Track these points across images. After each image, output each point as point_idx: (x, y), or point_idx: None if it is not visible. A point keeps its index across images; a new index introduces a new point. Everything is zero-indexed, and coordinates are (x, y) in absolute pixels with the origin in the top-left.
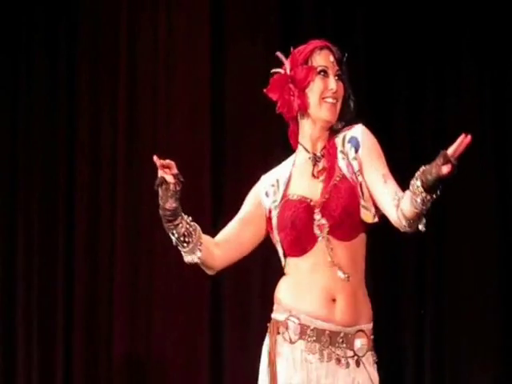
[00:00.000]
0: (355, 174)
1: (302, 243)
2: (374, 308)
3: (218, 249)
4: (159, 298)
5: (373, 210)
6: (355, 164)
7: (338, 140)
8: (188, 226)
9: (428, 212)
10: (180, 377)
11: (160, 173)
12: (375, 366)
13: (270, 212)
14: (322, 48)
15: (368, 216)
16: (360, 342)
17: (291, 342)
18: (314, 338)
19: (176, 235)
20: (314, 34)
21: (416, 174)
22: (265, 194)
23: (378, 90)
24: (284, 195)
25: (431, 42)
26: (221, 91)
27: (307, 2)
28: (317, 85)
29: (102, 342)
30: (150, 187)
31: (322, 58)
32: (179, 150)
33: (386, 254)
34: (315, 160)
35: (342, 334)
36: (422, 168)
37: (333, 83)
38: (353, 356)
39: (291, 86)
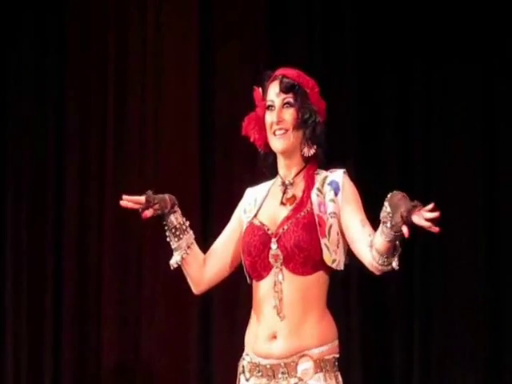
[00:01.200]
0: (327, 214)
1: (257, 269)
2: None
3: (205, 264)
4: (147, 302)
5: (335, 255)
6: (331, 206)
7: (319, 177)
8: (182, 224)
9: (400, 250)
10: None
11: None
12: (332, 382)
13: (243, 228)
14: (273, 80)
15: (328, 257)
16: (302, 367)
17: (247, 380)
18: (261, 374)
19: (169, 225)
20: (302, 33)
21: (385, 202)
22: (243, 211)
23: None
24: (254, 216)
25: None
26: (209, 92)
27: (295, 2)
28: (267, 120)
29: (91, 345)
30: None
31: (271, 92)
32: (168, 156)
33: None
34: (284, 188)
35: (282, 365)
36: (390, 195)
37: (273, 116)
38: (297, 383)
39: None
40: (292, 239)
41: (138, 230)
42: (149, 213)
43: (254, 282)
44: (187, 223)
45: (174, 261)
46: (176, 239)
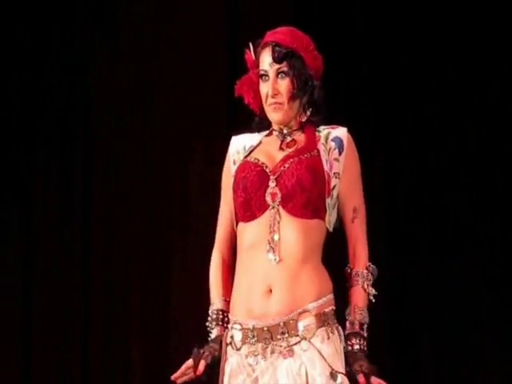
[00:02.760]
0: (331, 173)
1: (251, 208)
2: None
3: (226, 255)
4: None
5: (330, 217)
6: (335, 165)
7: (321, 134)
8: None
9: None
10: None
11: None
12: (336, 337)
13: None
14: (264, 46)
15: (326, 217)
16: (303, 324)
17: (237, 350)
18: (256, 339)
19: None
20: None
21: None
22: (233, 163)
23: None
24: (248, 154)
25: None
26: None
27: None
28: (262, 90)
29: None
30: None
31: (263, 60)
32: None
33: None
34: (283, 135)
35: (281, 325)
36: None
37: (268, 87)
38: (299, 341)
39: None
40: (294, 177)
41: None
42: (201, 367)
43: (241, 224)
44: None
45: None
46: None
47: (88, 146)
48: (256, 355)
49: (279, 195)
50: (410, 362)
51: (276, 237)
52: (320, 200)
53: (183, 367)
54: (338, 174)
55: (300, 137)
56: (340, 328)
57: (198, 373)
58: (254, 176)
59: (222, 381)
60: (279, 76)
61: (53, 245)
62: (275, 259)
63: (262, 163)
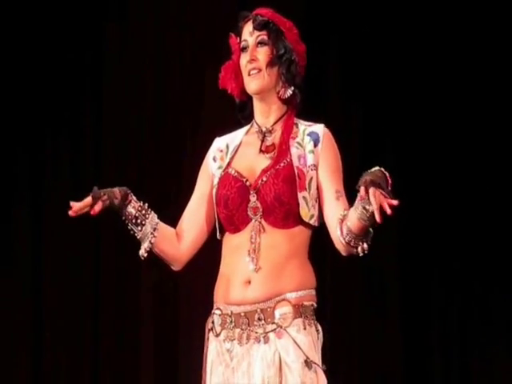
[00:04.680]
0: (307, 167)
1: (234, 222)
2: None
3: (179, 236)
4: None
5: (313, 210)
6: (310, 157)
7: (298, 130)
8: (140, 209)
9: (371, 235)
10: None
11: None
12: (314, 331)
13: (213, 177)
14: (247, 20)
15: (305, 212)
16: (279, 312)
17: (217, 335)
18: (233, 324)
19: (128, 217)
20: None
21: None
22: (212, 159)
23: None
24: (228, 165)
25: None
26: None
27: None
28: (241, 62)
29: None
30: None
31: (245, 32)
32: None
33: None
34: (263, 135)
35: (258, 311)
36: (373, 169)
37: (247, 56)
38: (275, 329)
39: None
40: (272, 192)
41: None
42: (97, 207)
43: (227, 233)
44: (146, 205)
45: (143, 250)
46: (139, 228)
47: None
48: (232, 340)
49: (260, 209)
50: None
51: (254, 252)
52: (297, 207)
53: (82, 203)
54: (314, 165)
55: (278, 134)
56: (319, 325)
57: (93, 212)
58: (234, 193)
59: (205, 369)
60: (259, 45)
61: (63, 242)
62: (254, 269)
63: (243, 177)
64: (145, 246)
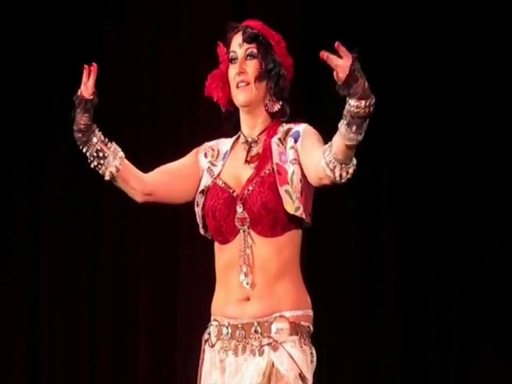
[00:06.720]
0: (288, 162)
1: (222, 233)
2: None
3: (147, 178)
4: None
5: (298, 203)
6: (291, 153)
7: (281, 129)
8: (102, 144)
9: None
10: None
11: (82, 89)
12: (308, 353)
13: (203, 172)
14: (236, 32)
15: (290, 205)
16: (276, 327)
17: (212, 346)
18: (230, 336)
19: (90, 151)
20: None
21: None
22: (203, 155)
23: None
24: (219, 174)
25: None
26: None
27: None
28: (230, 74)
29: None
30: None
31: (234, 43)
32: None
33: None
34: (249, 146)
35: (255, 324)
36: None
37: (235, 68)
38: (270, 343)
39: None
40: (258, 201)
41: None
42: (87, 94)
43: (216, 243)
44: (106, 139)
45: (109, 172)
46: (102, 161)
47: None
48: (227, 350)
49: (248, 219)
50: None
51: (247, 266)
52: (287, 213)
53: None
54: (295, 159)
55: (263, 144)
56: (314, 349)
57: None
58: (221, 204)
59: (200, 380)
60: (248, 58)
61: (60, 241)
62: (247, 283)
63: (230, 188)
64: (110, 171)
